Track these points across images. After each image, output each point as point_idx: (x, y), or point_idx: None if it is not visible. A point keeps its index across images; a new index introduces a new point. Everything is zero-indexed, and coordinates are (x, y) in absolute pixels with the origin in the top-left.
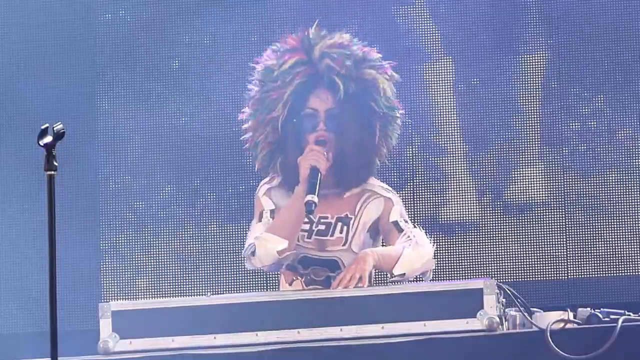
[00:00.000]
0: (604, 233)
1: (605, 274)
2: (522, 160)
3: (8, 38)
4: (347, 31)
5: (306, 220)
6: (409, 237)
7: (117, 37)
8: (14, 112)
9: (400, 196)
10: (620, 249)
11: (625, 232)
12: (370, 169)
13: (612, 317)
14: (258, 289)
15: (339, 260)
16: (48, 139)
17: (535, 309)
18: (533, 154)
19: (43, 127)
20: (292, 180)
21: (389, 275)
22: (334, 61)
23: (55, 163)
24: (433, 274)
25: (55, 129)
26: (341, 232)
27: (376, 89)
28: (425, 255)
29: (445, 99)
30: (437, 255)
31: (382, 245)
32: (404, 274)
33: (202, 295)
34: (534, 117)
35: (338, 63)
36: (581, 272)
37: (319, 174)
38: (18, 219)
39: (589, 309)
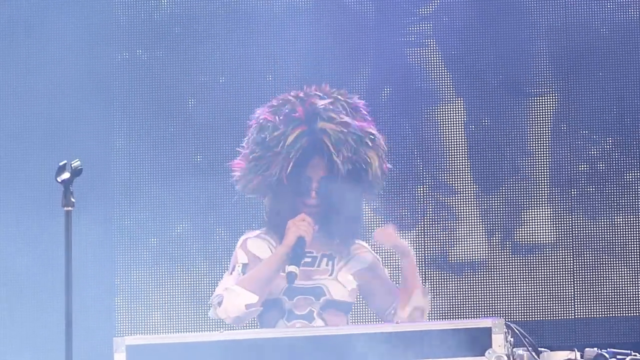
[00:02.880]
0: (611, 274)
1: (613, 314)
2: (531, 200)
3: (26, 76)
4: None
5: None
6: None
7: (134, 75)
8: (31, 149)
9: (410, 236)
10: (628, 289)
11: (632, 273)
12: (358, 228)
13: (618, 357)
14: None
15: (324, 287)
16: (66, 175)
17: (542, 349)
18: (542, 195)
19: (61, 164)
20: (276, 234)
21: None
22: (334, 146)
23: (73, 199)
24: (443, 312)
25: (72, 165)
26: (327, 265)
27: (368, 166)
28: (425, 309)
29: (456, 139)
30: (447, 295)
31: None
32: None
33: (215, 330)
34: (543, 159)
35: (336, 148)
36: (589, 312)
37: (305, 245)
38: (34, 254)
39: (595, 349)
